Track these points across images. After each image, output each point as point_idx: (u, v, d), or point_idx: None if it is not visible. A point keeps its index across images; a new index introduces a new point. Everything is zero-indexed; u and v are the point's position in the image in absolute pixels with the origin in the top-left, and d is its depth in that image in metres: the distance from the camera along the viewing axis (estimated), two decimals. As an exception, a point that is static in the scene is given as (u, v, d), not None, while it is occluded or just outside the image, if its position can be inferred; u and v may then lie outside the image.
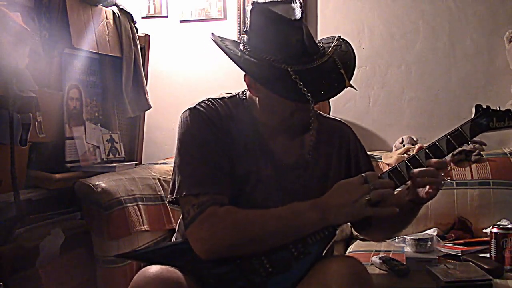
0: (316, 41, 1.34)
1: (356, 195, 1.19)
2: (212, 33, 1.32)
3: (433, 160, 1.28)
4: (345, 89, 1.25)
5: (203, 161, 1.27)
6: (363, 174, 1.23)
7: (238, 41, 1.35)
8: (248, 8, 1.29)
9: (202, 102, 1.35)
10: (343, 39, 1.35)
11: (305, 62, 1.23)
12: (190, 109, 1.33)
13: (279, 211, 1.23)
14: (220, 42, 1.30)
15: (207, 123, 1.30)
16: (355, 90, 1.28)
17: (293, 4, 1.27)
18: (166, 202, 1.93)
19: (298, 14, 1.23)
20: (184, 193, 1.25)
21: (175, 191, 1.28)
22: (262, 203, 1.30)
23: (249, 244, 1.21)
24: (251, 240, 1.21)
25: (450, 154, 2.21)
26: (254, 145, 1.33)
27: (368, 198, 1.18)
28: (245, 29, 1.32)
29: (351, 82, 1.25)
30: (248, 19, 1.29)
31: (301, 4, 1.27)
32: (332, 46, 1.31)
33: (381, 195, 1.19)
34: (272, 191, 1.32)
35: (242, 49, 1.29)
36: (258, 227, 1.22)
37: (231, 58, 1.26)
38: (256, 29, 1.28)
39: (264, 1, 1.30)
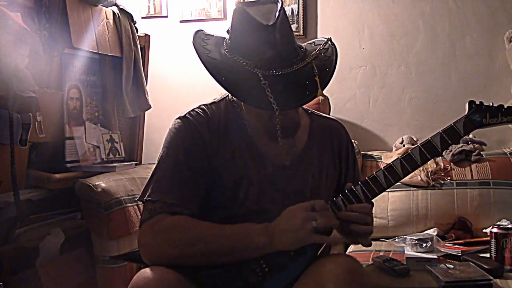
0: (307, 43, 1.33)
1: (301, 222, 1.16)
2: (196, 32, 1.31)
3: (355, 205, 1.25)
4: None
5: (173, 171, 1.26)
6: (312, 201, 1.20)
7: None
8: None
9: (193, 110, 1.33)
10: (332, 43, 1.32)
11: (278, 67, 1.21)
12: (180, 117, 1.33)
13: (230, 231, 1.19)
14: (199, 41, 1.28)
15: (193, 134, 1.29)
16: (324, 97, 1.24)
17: (276, 5, 1.25)
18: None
19: (273, 18, 1.21)
20: (144, 198, 1.25)
21: (140, 194, 1.28)
22: (256, 206, 1.29)
23: (192, 258, 1.19)
24: (194, 255, 1.19)
25: (450, 153, 2.24)
26: (244, 148, 1.32)
27: (315, 226, 1.16)
28: (227, 29, 1.30)
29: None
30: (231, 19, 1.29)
31: (281, 6, 1.24)
32: (316, 50, 1.29)
33: (328, 224, 1.17)
34: (266, 193, 1.31)
35: (223, 50, 1.27)
36: (203, 243, 1.18)
37: (201, 60, 1.24)
38: (235, 30, 1.27)
39: (249, 0, 1.28)
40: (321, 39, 1.35)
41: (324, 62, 1.27)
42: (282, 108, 1.19)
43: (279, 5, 1.24)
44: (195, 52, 1.26)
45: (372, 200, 1.32)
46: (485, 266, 1.64)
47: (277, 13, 1.21)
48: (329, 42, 1.32)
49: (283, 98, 1.18)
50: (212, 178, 1.29)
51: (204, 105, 1.36)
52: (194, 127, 1.30)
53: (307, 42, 1.36)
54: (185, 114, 1.33)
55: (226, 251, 1.19)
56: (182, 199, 1.24)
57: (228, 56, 1.25)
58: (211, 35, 1.34)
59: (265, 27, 1.19)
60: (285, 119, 1.29)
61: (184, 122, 1.31)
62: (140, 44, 2.44)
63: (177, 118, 1.33)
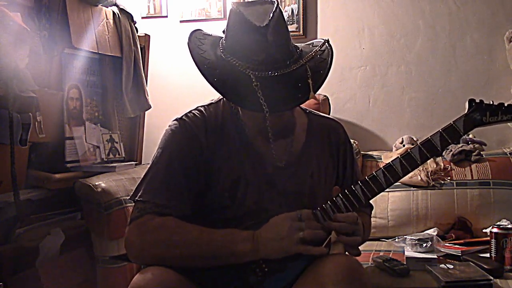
0: (305, 44, 1.33)
1: (287, 232, 1.16)
2: (192, 31, 1.31)
3: (340, 215, 1.23)
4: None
5: (165, 172, 1.26)
6: (298, 210, 1.20)
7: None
8: None
9: (190, 112, 1.33)
10: (329, 44, 1.32)
11: (271, 69, 1.21)
12: (177, 119, 1.32)
13: (215, 236, 1.19)
14: (195, 40, 1.28)
15: (188, 135, 1.29)
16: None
17: (272, 6, 1.24)
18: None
19: (267, 19, 1.20)
20: (135, 198, 1.26)
21: (132, 193, 1.28)
22: (256, 206, 1.29)
23: (176, 260, 1.18)
24: (178, 257, 1.18)
25: (450, 153, 2.24)
26: (241, 149, 1.32)
27: (302, 236, 1.16)
28: (223, 29, 1.30)
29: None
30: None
31: (277, 6, 1.23)
32: (312, 51, 1.28)
33: (314, 234, 1.18)
34: (264, 193, 1.30)
35: (218, 50, 1.27)
36: (188, 247, 1.18)
37: (194, 60, 1.25)
38: (229, 31, 1.27)
39: (246, 1, 1.28)
40: (319, 40, 1.35)
41: (319, 64, 1.26)
42: (273, 110, 1.19)
43: (275, 5, 1.24)
44: (189, 52, 1.26)
45: (372, 201, 1.32)
46: (485, 266, 1.64)
47: (272, 14, 1.21)
48: (326, 43, 1.31)
49: (274, 100, 1.18)
50: (210, 179, 1.29)
51: (201, 106, 1.36)
52: (190, 128, 1.30)
53: (306, 43, 1.36)
54: (182, 116, 1.33)
55: (211, 255, 1.19)
56: (173, 200, 1.24)
57: (222, 56, 1.25)
58: (209, 34, 1.34)
59: (258, 29, 1.19)
60: (280, 120, 1.30)
61: (180, 124, 1.31)
62: (140, 44, 2.44)
63: (174, 120, 1.33)
